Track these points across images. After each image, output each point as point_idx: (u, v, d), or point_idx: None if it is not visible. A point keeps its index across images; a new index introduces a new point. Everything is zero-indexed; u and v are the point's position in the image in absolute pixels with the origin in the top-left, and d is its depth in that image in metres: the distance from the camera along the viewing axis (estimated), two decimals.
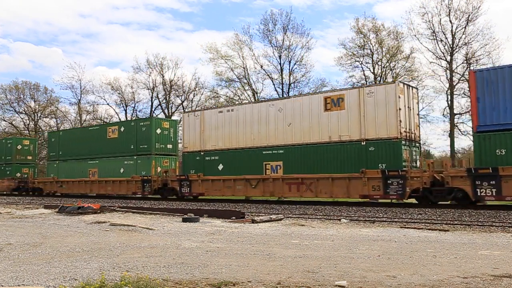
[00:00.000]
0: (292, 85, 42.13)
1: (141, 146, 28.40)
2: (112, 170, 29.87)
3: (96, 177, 30.99)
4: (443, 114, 38.54)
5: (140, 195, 28.40)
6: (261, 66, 42.84)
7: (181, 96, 50.28)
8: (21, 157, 39.83)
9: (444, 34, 36.68)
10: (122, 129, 30.11)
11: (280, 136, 21.73)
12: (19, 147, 39.84)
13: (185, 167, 25.46)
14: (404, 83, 19.74)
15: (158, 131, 28.54)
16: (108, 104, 60.37)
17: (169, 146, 29.18)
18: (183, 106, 49.35)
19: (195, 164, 24.75)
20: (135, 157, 28.69)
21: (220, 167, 23.69)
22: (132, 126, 29.72)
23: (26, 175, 38.42)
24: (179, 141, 31.88)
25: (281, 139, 21.66)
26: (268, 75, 42.80)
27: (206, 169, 24.19)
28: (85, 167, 31.90)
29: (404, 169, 18.14)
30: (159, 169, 27.48)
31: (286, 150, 21.36)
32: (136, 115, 51.55)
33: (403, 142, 18.75)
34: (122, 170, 29.19)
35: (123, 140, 29.61)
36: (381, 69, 39.99)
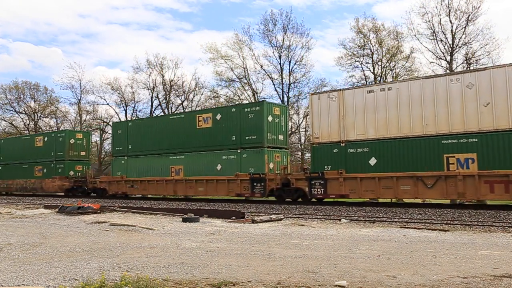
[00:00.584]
0: (292, 85, 42.16)
1: (247, 137, 23.35)
2: (204, 167, 24.84)
3: (182, 176, 25.67)
4: None
5: (247, 197, 23.59)
6: (261, 66, 42.87)
7: (181, 96, 50.29)
8: (73, 153, 34.67)
9: (444, 34, 36.66)
10: (219, 116, 24.74)
11: (471, 120, 16.87)
12: (72, 141, 34.50)
13: (315, 162, 20.53)
14: None
15: (270, 118, 23.29)
16: (108, 104, 60.37)
17: (281, 137, 24.03)
18: (183, 106, 49.36)
19: (332, 158, 19.86)
20: (238, 151, 23.60)
21: (372, 161, 18.84)
22: (233, 112, 24.33)
23: (79, 173, 33.94)
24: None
25: (472, 124, 16.82)
26: (268, 75, 42.82)
27: (349, 164, 19.33)
28: (165, 163, 26.74)
29: None
30: (271, 165, 22.91)
31: (482, 139, 16.58)
32: (137, 115, 51.55)
33: None
34: (219, 167, 24.15)
35: (221, 130, 24.43)
36: (381, 69, 40.00)
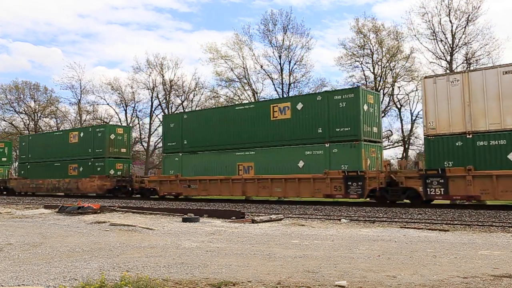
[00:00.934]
0: (292, 85, 42.20)
1: (338, 130, 20.23)
2: (281, 164, 21.67)
3: (252, 174, 22.48)
4: None
5: (339, 198, 20.45)
6: (261, 66, 42.92)
7: (181, 96, 50.35)
8: (114, 150, 31.19)
9: (444, 34, 36.72)
10: (300, 106, 21.43)
11: None
12: (112, 136, 31.07)
13: (431, 158, 17.68)
14: None
15: (365, 107, 20.14)
16: (108, 104, 60.38)
17: (375, 129, 20.86)
18: (183, 106, 49.42)
19: (454, 153, 17.06)
20: (326, 146, 20.44)
21: None
22: (319, 101, 20.95)
23: (120, 172, 30.75)
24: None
25: None
26: (268, 75, 42.87)
27: (479, 159, 16.51)
28: (231, 160, 23.56)
29: None
30: (368, 162, 19.88)
31: None
32: (136, 115, 51.58)
33: None
34: (301, 164, 20.96)
35: (303, 122, 21.26)
36: (381, 69, 40.05)
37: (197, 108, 48.04)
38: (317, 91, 38.17)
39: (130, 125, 49.04)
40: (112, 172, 30.45)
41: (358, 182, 19.02)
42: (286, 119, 21.82)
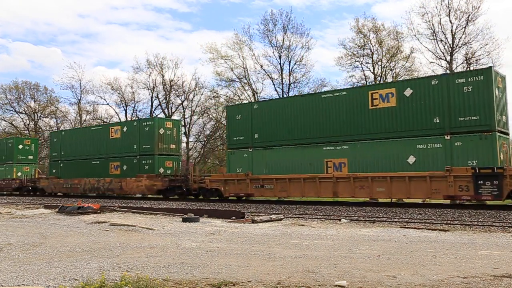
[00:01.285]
0: (292, 85, 42.16)
1: (462, 119, 17.17)
2: (384, 160, 18.59)
3: (346, 172, 19.44)
4: None
5: (466, 200, 17.48)
6: (261, 66, 42.84)
7: (181, 96, 50.30)
8: (163, 146, 27.73)
9: (444, 34, 36.65)
10: (408, 92, 18.36)
11: None
12: (161, 131, 27.62)
13: None
14: None
15: (496, 92, 17.15)
16: (108, 104, 60.29)
17: (504, 118, 17.81)
18: (183, 106, 49.39)
19: None
20: (446, 138, 17.35)
21: None
22: (434, 85, 17.86)
23: (169, 171, 27.68)
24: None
25: None
26: (268, 75, 42.80)
27: None
28: (317, 156, 20.34)
29: None
30: (501, 156, 16.74)
31: None
32: (136, 115, 51.55)
33: None
34: (411, 160, 18.05)
35: (413, 110, 18.24)
36: (381, 69, 40.00)
37: (197, 109, 48.03)
38: (317, 91, 38.17)
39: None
40: (161, 170, 27.19)
41: (493, 181, 16.11)
42: (390, 107, 18.74)
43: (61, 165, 33.36)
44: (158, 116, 30.96)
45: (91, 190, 30.55)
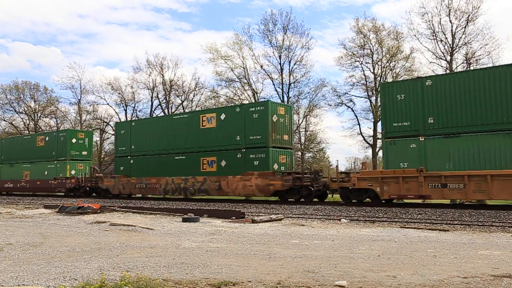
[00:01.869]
0: (292, 85, 42.16)
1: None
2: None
3: None
4: None
5: None
6: (261, 66, 42.84)
7: (181, 96, 50.31)
8: (276, 137, 22.67)
9: (444, 34, 36.67)
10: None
11: None
12: (274, 118, 22.51)
13: None
14: None
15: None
16: (108, 104, 60.27)
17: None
18: (183, 106, 49.40)
19: None
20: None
21: None
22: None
23: (284, 167, 22.75)
24: None
25: None
26: (268, 75, 42.79)
27: None
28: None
29: None
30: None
31: None
32: (136, 115, 51.53)
33: None
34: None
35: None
36: (381, 69, 39.99)
37: (197, 109, 48.02)
38: (316, 91, 38.15)
39: None
40: (275, 167, 22.31)
41: None
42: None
43: (131, 161, 28.07)
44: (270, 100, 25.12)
45: (175, 192, 25.45)
